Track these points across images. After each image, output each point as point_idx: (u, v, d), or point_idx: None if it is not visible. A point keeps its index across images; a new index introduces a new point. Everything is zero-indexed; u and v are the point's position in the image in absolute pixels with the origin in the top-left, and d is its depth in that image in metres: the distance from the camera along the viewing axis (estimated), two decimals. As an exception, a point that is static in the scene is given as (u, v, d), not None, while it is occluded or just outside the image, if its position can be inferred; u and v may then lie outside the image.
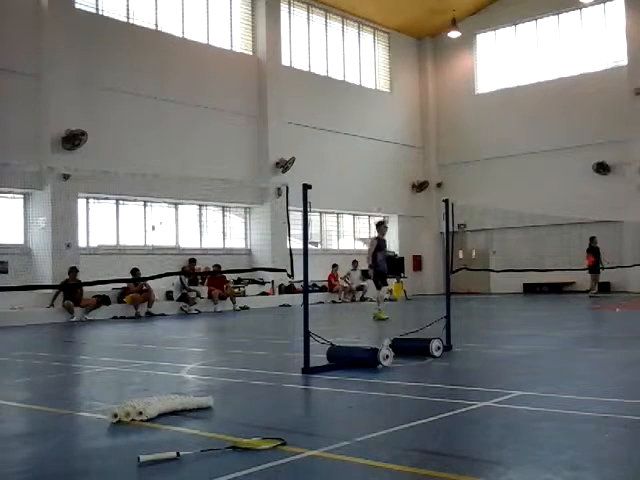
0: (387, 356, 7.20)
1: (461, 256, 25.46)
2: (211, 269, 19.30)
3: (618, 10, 25.45)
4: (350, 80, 27.22)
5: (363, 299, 23.92)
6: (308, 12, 25.94)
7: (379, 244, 13.95)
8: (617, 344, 9.30)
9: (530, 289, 25.77)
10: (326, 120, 25.14)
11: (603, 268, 20.48)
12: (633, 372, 6.95)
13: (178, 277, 19.18)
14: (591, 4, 25.65)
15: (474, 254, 27.15)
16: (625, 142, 24.04)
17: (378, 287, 13.92)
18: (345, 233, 27.34)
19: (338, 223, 26.98)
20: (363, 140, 26.61)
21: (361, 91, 27.40)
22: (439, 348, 7.91)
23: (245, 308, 20.21)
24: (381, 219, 15.64)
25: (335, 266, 23.98)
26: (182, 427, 4.76)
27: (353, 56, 27.64)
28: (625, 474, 3.63)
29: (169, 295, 19.53)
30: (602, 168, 24.85)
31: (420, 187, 28.91)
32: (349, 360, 7.36)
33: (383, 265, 13.88)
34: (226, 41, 23.05)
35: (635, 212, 22.11)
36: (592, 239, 21.46)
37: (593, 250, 21.31)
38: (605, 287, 24.13)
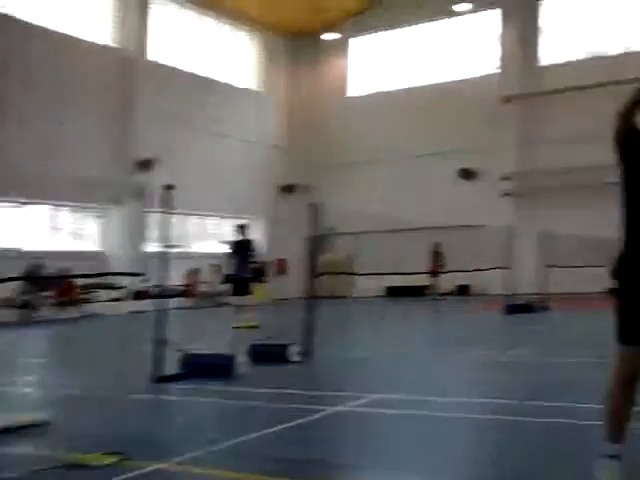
0: (243, 363, 7.17)
1: (326, 259, 25.88)
2: (61, 273, 18.38)
3: (493, 20, 26.82)
4: (222, 79, 26.92)
5: (224, 304, 23.73)
6: (180, 7, 25.41)
7: (235, 249, 13.68)
8: (473, 345, 9.79)
9: (394, 292, 26.61)
10: (194, 119, 24.68)
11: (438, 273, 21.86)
12: (487, 372, 7.35)
13: (20, 282, 18.13)
14: (467, 12, 26.78)
15: (340, 257, 27.70)
16: (490, 149, 25.35)
17: (235, 294, 13.67)
18: (210, 236, 27.03)
19: (202, 225, 26.63)
20: (232, 141, 26.41)
21: (233, 90, 27.18)
22: (298, 353, 7.97)
23: (95, 315, 19.47)
24: (241, 222, 15.39)
25: (196, 270, 23.63)
26: (13, 447, 4.48)
27: (226, 54, 27.40)
28: (475, 473, 3.81)
29: (10, 302, 18.41)
30: (467, 174, 26.11)
31: (288, 189, 29.11)
32: (204, 368, 7.26)
33: (241, 271, 13.53)
34: (91, 33, 22.00)
35: (497, 217, 23.36)
36: (436, 245, 22.61)
37: (435, 255, 22.49)
38: (464, 290, 25.42)
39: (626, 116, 3.17)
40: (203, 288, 23.69)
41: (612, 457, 3.18)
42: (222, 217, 27.21)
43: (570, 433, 4.52)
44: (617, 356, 3.21)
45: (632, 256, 3.18)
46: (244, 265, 13.48)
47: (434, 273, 22.05)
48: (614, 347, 3.23)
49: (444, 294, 23.06)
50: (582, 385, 6.11)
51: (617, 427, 3.23)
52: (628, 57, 23.30)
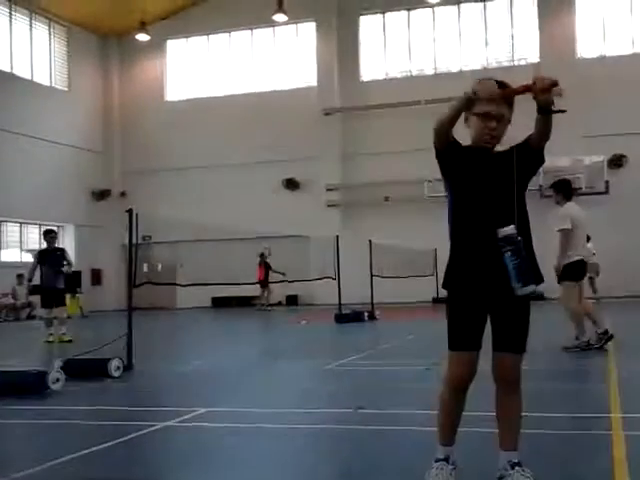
0: (58, 379, 6.80)
1: (146, 269, 25.18)
2: None
3: (310, 32, 27.54)
4: (20, 74, 25.62)
5: (30, 317, 22.55)
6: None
7: (41, 257, 12.99)
8: (301, 356, 9.94)
9: (219, 303, 26.55)
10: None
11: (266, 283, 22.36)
12: (318, 381, 7.49)
13: None
14: (284, 23, 27.27)
15: (160, 267, 27.09)
16: (314, 160, 26.07)
17: (45, 306, 12.93)
18: (10, 243, 25.50)
19: (2, 232, 25.07)
20: (35, 141, 25.10)
21: (33, 87, 25.92)
22: (119, 368, 7.71)
23: None
24: (50, 228, 14.70)
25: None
26: None
27: (24, 47, 26.07)
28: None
29: None
30: (292, 184, 26.70)
31: (101, 195, 28.17)
32: (10, 386, 6.78)
33: (51, 282, 12.80)
34: None
35: (324, 228, 24.02)
36: (262, 255, 22.99)
37: (263, 265, 22.89)
38: (293, 300, 25.88)
39: (441, 131, 3.26)
40: (6, 301, 22.38)
41: (442, 459, 3.34)
42: (25, 223, 25.91)
43: (403, 439, 4.65)
44: (448, 361, 3.37)
45: (454, 267, 3.37)
46: (54, 275, 12.83)
47: (262, 283, 22.28)
48: (445, 353, 3.38)
49: (272, 304, 23.35)
50: (413, 392, 6.37)
51: (448, 430, 3.40)
52: (438, 78, 25.43)
